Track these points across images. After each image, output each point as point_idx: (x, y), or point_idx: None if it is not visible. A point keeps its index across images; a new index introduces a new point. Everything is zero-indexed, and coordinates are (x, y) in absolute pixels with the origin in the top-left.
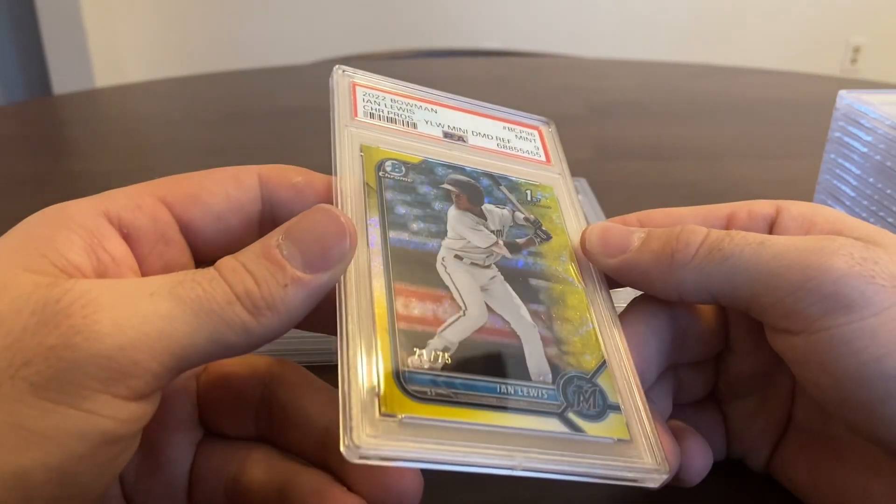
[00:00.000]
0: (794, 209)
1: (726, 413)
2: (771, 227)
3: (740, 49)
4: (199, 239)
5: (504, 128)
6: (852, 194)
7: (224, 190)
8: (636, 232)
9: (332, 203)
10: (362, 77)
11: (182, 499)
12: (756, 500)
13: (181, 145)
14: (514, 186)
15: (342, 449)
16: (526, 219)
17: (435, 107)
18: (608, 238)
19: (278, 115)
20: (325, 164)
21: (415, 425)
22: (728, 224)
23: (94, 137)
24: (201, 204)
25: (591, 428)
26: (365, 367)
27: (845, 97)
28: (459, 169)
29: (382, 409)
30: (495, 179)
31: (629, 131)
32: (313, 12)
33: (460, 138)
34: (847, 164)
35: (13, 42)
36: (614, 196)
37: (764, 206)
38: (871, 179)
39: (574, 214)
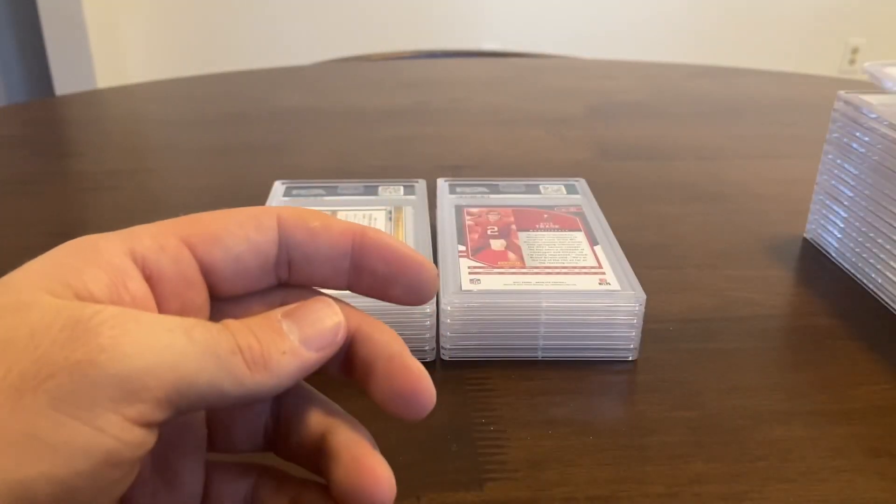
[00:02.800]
0: None
1: None
2: None
3: (740, 49)
4: (217, 278)
5: None
6: (850, 194)
7: (245, 233)
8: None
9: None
10: None
11: None
12: None
13: (182, 145)
14: None
15: None
16: None
17: None
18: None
19: (278, 115)
20: (325, 163)
21: None
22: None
23: (95, 138)
24: (223, 246)
25: None
26: None
27: (844, 97)
28: None
29: None
30: None
31: (629, 131)
32: (313, 12)
33: None
34: (846, 165)
35: (15, 42)
36: (614, 196)
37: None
38: (869, 180)
39: None
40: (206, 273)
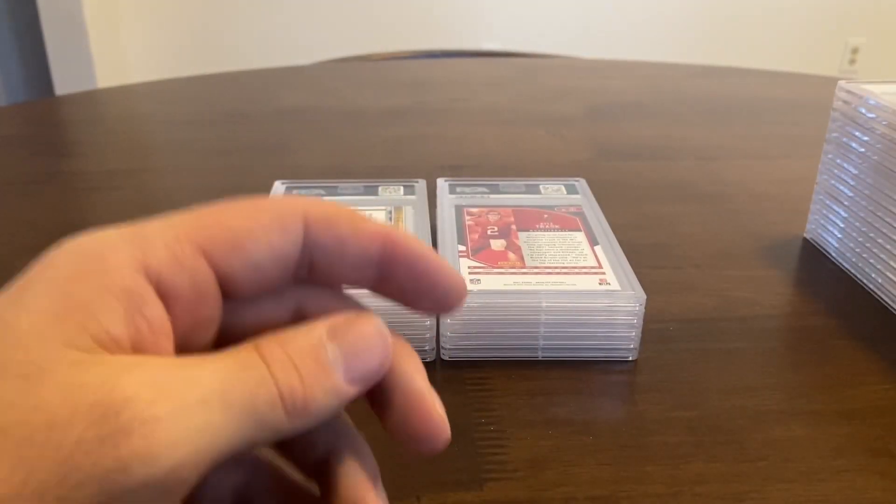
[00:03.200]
0: None
1: None
2: None
3: (740, 49)
4: (233, 286)
5: None
6: (850, 194)
7: (268, 238)
8: None
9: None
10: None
11: None
12: None
13: (182, 145)
14: None
15: None
16: None
17: None
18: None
19: (278, 115)
20: (325, 163)
21: None
22: None
23: (95, 138)
24: (243, 254)
25: None
26: None
27: (844, 87)
28: None
29: None
30: None
31: (629, 131)
32: (313, 12)
33: None
34: (845, 165)
35: (15, 43)
36: (614, 196)
37: None
38: (868, 179)
39: None
40: (222, 281)
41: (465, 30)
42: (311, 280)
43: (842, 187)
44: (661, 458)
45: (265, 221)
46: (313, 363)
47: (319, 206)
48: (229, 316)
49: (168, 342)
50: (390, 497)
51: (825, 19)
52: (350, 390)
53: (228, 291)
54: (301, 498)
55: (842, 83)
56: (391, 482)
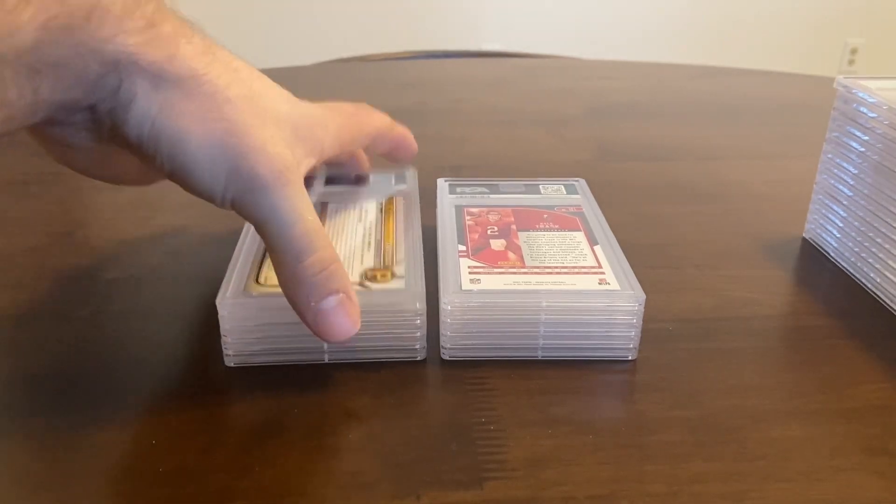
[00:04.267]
0: None
1: None
2: None
3: (739, 50)
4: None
5: None
6: (850, 194)
7: (372, 128)
8: None
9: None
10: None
11: None
12: None
13: None
14: None
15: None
16: None
17: None
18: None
19: None
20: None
21: None
22: None
23: None
24: (362, 138)
25: None
26: None
27: (842, 82)
28: None
29: None
30: None
31: (629, 132)
32: (313, 12)
33: None
34: (845, 164)
35: None
36: (614, 196)
37: None
38: (868, 179)
39: None
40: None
41: (465, 30)
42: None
43: (841, 187)
44: (661, 457)
45: (370, 129)
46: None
47: (381, 122)
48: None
49: None
50: (390, 496)
51: (824, 20)
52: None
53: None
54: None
55: (840, 78)
56: (391, 481)
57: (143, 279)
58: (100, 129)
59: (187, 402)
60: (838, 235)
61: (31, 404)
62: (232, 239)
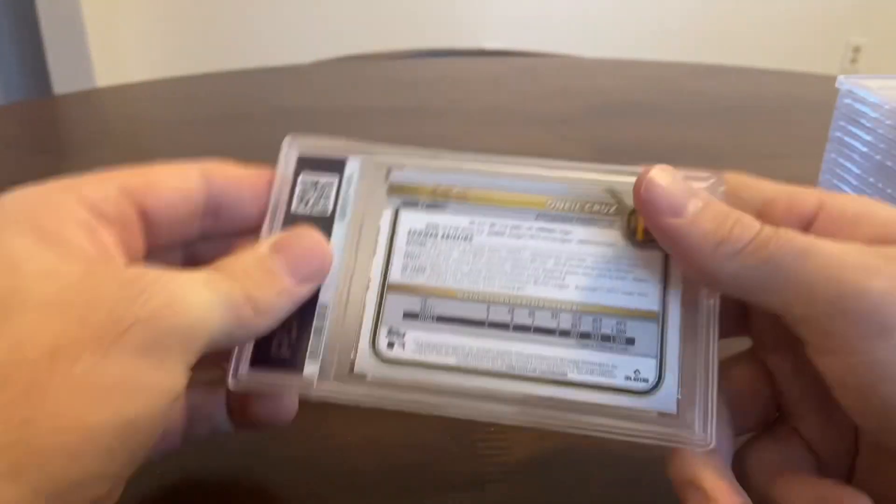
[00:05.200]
0: (836, 208)
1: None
2: (809, 225)
3: (740, 49)
4: (152, 226)
5: None
6: (853, 194)
7: (175, 183)
8: (693, 198)
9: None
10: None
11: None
12: None
13: (181, 145)
14: None
15: None
16: None
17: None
18: (669, 193)
19: (278, 115)
20: None
21: None
22: (763, 209)
23: (94, 137)
24: (156, 193)
25: None
26: None
27: (844, 82)
28: None
29: None
30: None
31: (629, 131)
32: (313, 12)
33: None
34: (847, 164)
35: (13, 42)
36: None
37: (805, 200)
38: (871, 179)
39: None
40: (143, 220)
41: (465, 29)
42: (222, 230)
43: (844, 187)
44: (665, 457)
45: (169, 171)
46: (263, 271)
47: (209, 161)
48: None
49: (124, 262)
50: (390, 499)
51: (826, 19)
52: (299, 289)
53: (148, 230)
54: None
55: (842, 78)
56: (391, 484)
57: None
58: None
59: None
60: None
61: None
62: None
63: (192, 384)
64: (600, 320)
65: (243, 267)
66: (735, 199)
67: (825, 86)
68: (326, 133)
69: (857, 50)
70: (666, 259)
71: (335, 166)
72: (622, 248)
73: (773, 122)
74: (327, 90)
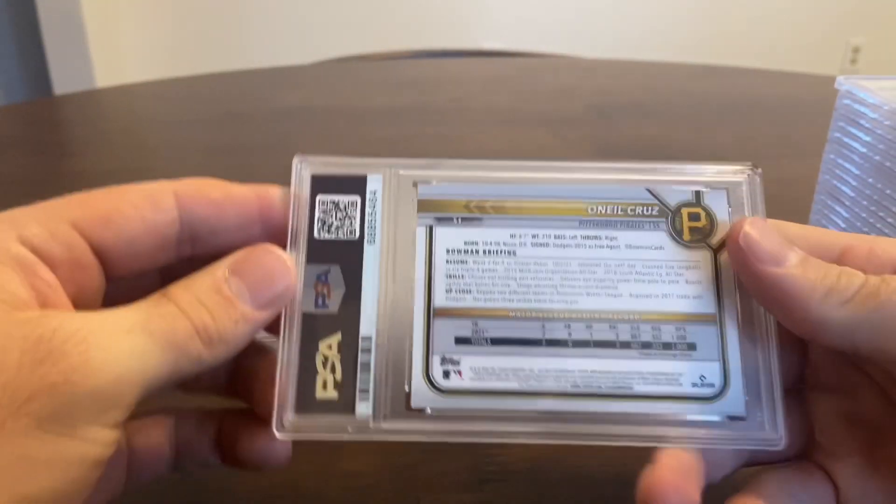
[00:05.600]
0: None
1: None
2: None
3: (740, 49)
4: (111, 261)
5: None
6: (852, 194)
7: (139, 214)
8: (793, 249)
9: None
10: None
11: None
12: None
13: (181, 145)
14: None
15: None
16: None
17: None
18: (767, 242)
19: (278, 115)
20: None
21: None
22: (840, 258)
23: (94, 138)
24: (114, 228)
25: None
26: None
27: (843, 83)
28: None
29: None
30: None
31: (629, 131)
32: (313, 12)
33: None
34: (847, 165)
35: (14, 42)
36: None
37: (888, 248)
38: (870, 180)
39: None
40: (100, 256)
41: (465, 29)
42: (200, 254)
43: (843, 187)
44: None
45: (135, 199)
46: (218, 298)
47: (189, 181)
48: (115, 294)
49: (68, 304)
50: (390, 499)
51: (826, 19)
52: (260, 315)
53: (109, 266)
54: (230, 416)
55: (841, 78)
56: (390, 483)
57: None
58: None
59: None
60: None
61: None
62: None
63: (182, 415)
64: (659, 328)
65: (196, 294)
66: (807, 246)
67: (824, 86)
68: (326, 133)
69: (856, 50)
70: (716, 258)
71: (355, 184)
72: (671, 251)
73: (772, 122)
74: (327, 90)
